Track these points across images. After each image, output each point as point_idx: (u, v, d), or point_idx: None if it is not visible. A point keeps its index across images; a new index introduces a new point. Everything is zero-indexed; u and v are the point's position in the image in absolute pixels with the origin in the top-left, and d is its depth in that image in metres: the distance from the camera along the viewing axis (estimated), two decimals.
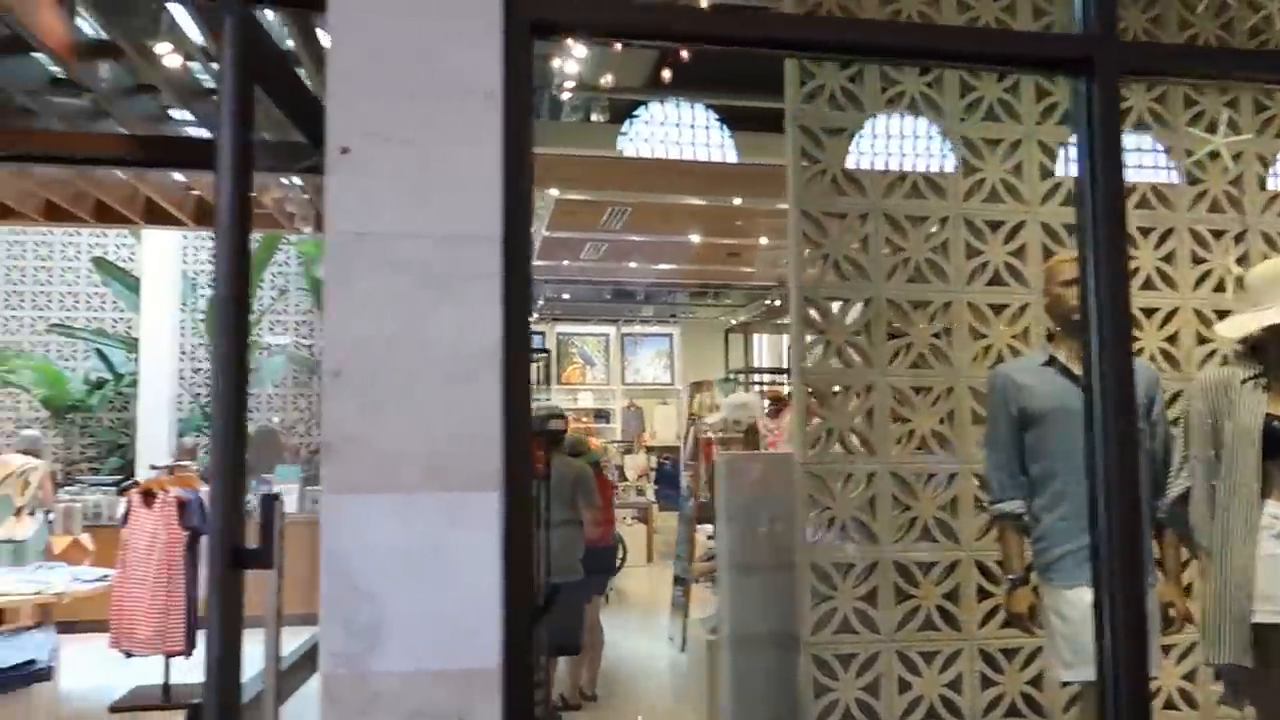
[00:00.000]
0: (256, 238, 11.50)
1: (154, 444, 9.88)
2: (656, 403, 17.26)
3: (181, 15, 3.91)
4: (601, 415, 16.85)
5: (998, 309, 3.74)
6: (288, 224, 6.74)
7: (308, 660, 2.84)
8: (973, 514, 3.62)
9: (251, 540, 2.03)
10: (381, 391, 1.86)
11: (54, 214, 6.60)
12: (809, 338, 3.61)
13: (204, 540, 6.34)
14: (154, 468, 6.26)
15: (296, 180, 6.01)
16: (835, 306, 3.64)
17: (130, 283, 10.96)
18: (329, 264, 1.88)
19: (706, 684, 4.74)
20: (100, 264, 11.10)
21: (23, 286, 11.68)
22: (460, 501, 1.86)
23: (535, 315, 15.65)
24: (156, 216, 6.65)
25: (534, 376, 2.22)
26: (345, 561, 1.84)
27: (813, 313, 3.61)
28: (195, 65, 4.44)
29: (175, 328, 10.16)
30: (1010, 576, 3.04)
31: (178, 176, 6.25)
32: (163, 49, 3.78)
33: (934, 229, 3.73)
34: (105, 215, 6.66)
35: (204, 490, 6.35)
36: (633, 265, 11.73)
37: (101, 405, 11.08)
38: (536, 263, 11.16)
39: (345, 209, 1.88)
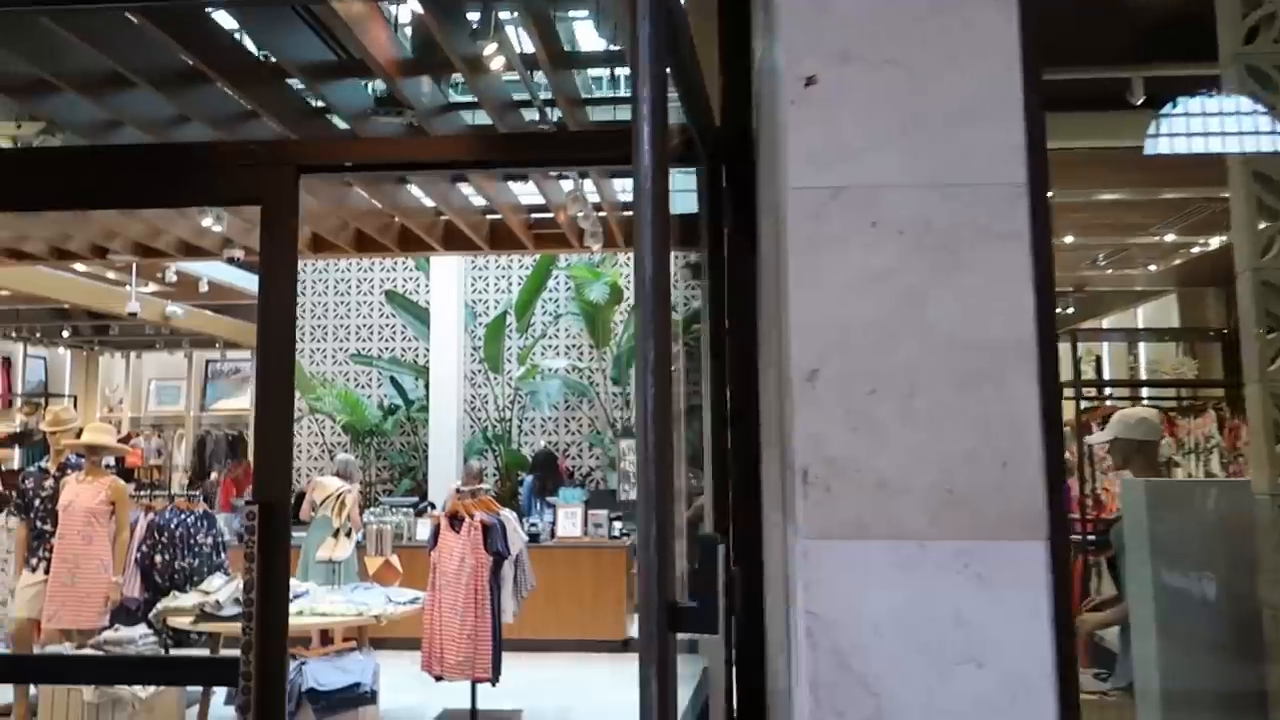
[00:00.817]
0: (530, 262, 11.70)
1: (443, 466, 10.18)
2: None
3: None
4: None
5: None
6: (577, 243, 6.57)
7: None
8: None
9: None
10: (874, 399, 1.35)
11: (363, 245, 6.80)
12: (1270, 334, 2.80)
13: (506, 565, 6.25)
14: (459, 491, 6.21)
15: (591, 194, 5.80)
16: None
17: (418, 313, 11.44)
18: (793, 231, 1.40)
19: None
20: (391, 296, 11.67)
21: (325, 320, 12.51)
22: (989, 553, 1.32)
23: None
24: (455, 243, 6.68)
25: None
26: (833, 634, 1.33)
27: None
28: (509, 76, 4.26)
29: (460, 355, 10.44)
30: None
31: (477, 201, 6.24)
32: (489, 51, 3.56)
33: None
34: (408, 244, 6.78)
35: (504, 514, 6.24)
36: None
37: (394, 429, 11.62)
38: None
39: (812, 157, 1.40)
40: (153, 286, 11.56)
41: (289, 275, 3.05)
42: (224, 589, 5.85)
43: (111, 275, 10.76)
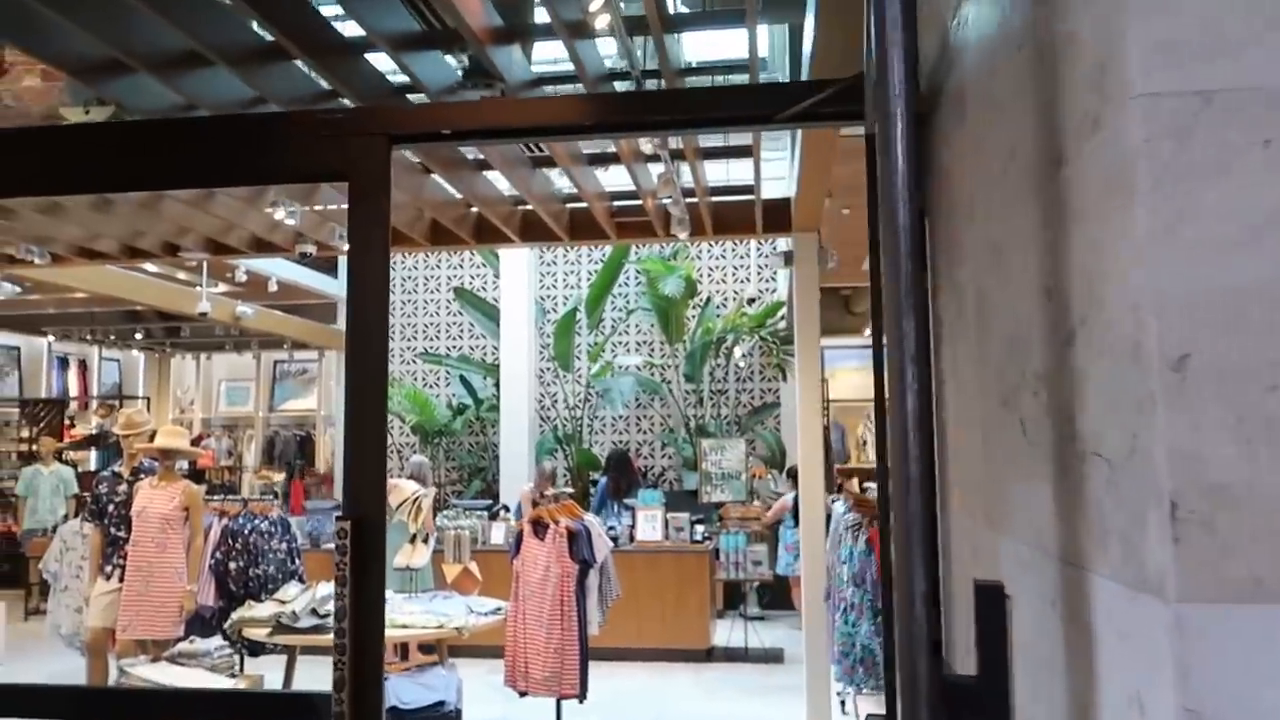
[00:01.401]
0: (600, 256, 11.34)
1: (514, 467, 9.87)
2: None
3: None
4: None
5: None
6: (662, 231, 6.17)
7: None
8: None
9: None
10: (1272, 398, 0.92)
11: (438, 238, 6.48)
12: None
13: (592, 574, 5.88)
14: (543, 496, 5.85)
15: (686, 177, 5.39)
16: None
17: (487, 309, 11.16)
18: (1139, 157, 0.98)
19: None
20: (460, 293, 11.40)
21: (392, 319, 12.29)
22: None
23: (870, 329, 14.56)
24: (533, 233, 6.33)
25: None
26: None
27: None
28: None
29: (531, 352, 10.12)
30: None
31: (563, 186, 5.89)
32: (595, 6, 3.18)
33: None
34: (484, 235, 6.45)
35: (589, 519, 5.87)
36: None
37: (464, 430, 11.36)
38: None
39: (1166, 50, 0.98)
40: (223, 287, 11.46)
41: (381, 258, 2.69)
42: (300, 598, 5.57)
43: (182, 276, 10.66)
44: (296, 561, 6.45)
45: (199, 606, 6.13)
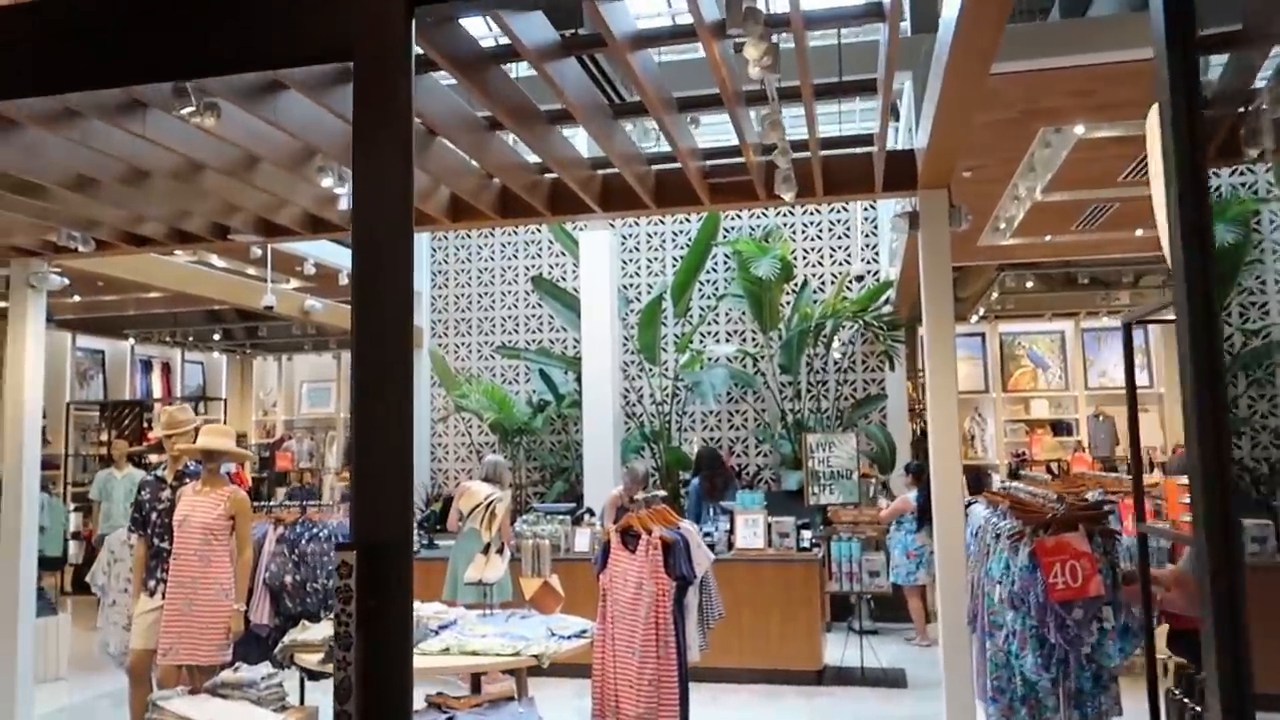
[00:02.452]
0: (686, 241, 10.47)
1: (598, 467, 9.10)
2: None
3: None
4: (1062, 426, 14.02)
5: None
6: (764, 192, 5.29)
7: None
8: None
9: None
10: None
11: (507, 209, 5.72)
12: None
13: (691, 591, 5.03)
14: (632, 501, 5.02)
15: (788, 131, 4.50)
16: None
17: (566, 299, 10.41)
18: None
19: None
20: (538, 282, 10.68)
21: (469, 313, 11.65)
22: None
23: (976, 316, 13.29)
24: (615, 201, 5.52)
25: None
26: None
27: None
28: None
29: (615, 344, 9.32)
30: None
31: (646, 146, 5.05)
32: None
33: None
34: (559, 205, 5.65)
35: (685, 527, 5.02)
36: (1138, 234, 9.06)
37: (544, 427, 10.63)
38: (1010, 241, 8.96)
39: None
40: (294, 283, 10.97)
41: (399, 171, 1.89)
42: None
43: (251, 271, 10.18)
44: None
45: (253, 625, 5.49)
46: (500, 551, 5.42)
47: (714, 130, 6.90)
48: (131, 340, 14.39)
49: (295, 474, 14.46)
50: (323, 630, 4.88)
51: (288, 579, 5.48)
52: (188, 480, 5.18)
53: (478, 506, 5.45)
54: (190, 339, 14.61)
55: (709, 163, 5.37)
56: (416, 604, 5.06)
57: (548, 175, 5.51)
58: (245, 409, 16.64)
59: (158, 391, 15.26)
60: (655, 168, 5.47)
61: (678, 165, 5.21)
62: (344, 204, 5.33)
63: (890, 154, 5.10)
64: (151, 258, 8.31)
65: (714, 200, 5.46)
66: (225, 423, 16.21)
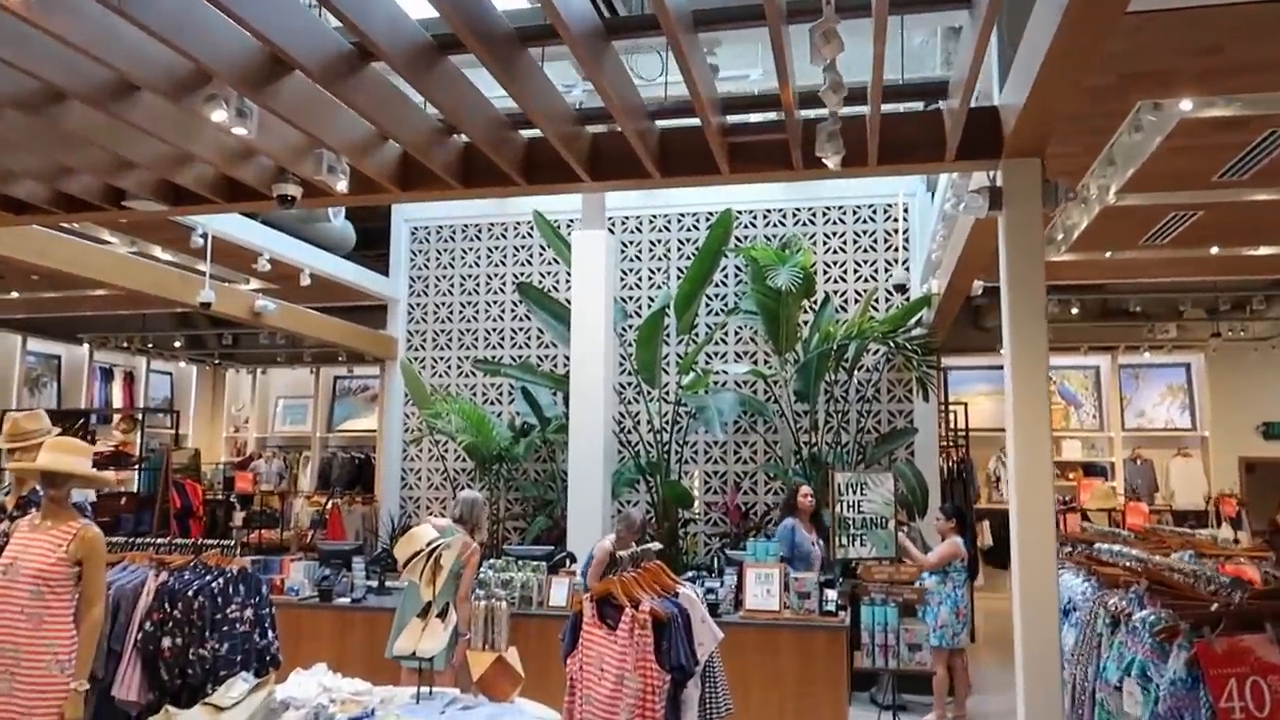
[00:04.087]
0: (692, 250, 9.21)
1: (586, 503, 7.76)
2: (1171, 454, 12.71)
3: None
4: (1095, 469, 12.68)
5: None
6: (801, 158, 4.02)
7: None
8: None
9: None
10: None
11: (472, 175, 4.45)
12: None
13: (690, 689, 3.68)
14: (623, 560, 3.68)
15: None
16: None
17: (556, 310, 9.12)
18: None
19: None
20: (525, 290, 9.39)
21: (449, 324, 10.37)
22: None
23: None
24: (609, 169, 4.26)
25: None
26: None
27: None
28: None
29: (609, 361, 8.02)
30: None
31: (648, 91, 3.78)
32: None
33: None
34: (538, 174, 4.39)
35: (684, 593, 3.69)
36: (1213, 251, 7.77)
37: (528, 454, 9.29)
38: (1063, 256, 7.68)
39: None
40: (255, 284, 9.70)
41: None
42: (246, 702, 3.52)
43: (202, 267, 8.90)
44: (268, 636, 4.43)
45: (119, 702, 4.15)
46: (443, 615, 4.07)
47: (732, 75, 5.66)
48: (86, 345, 13.09)
49: (258, 497, 13.10)
50: (194, 718, 3.54)
51: (166, 642, 4.14)
52: (33, 510, 3.87)
53: (417, 554, 4.11)
54: (150, 345, 13.30)
55: (729, 117, 4.11)
56: (328, 676, 3.72)
57: (522, 131, 4.26)
58: (215, 425, 15.33)
59: (118, 401, 13.95)
60: (661, 124, 4.21)
61: (689, 122, 3.96)
62: (245, 134, 4.03)
63: (969, 112, 3.84)
64: (79, 244, 7.05)
65: (735, 168, 4.19)
66: (192, 439, 14.92)
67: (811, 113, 3.94)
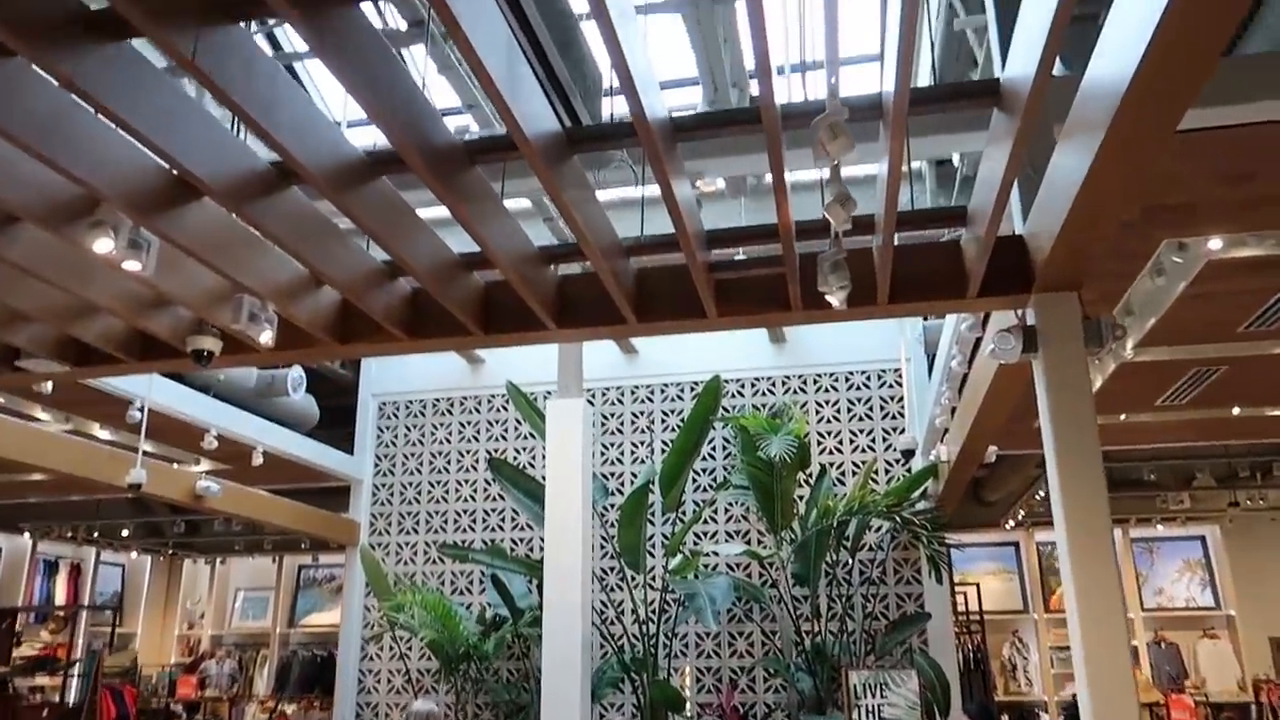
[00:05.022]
0: (677, 422, 8.56)
1: (562, 708, 6.70)
2: (1197, 635, 11.66)
3: None
4: None
5: None
6: (799, 295, 3.43)
7: None
8: None
9: None
10: None
11: (419, 326, 3.82)
12: None
13: None
14: None
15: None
16: None
17: (532, 488, 8.33)
18: None
19: None
20: (497, 466, 8.62)
21: (417, 506, 9.51)
22: None
23: (1012, 522, 11.18)
24: (580, 315, 3.64)
25: None
26: None
27: None
28: None
29: (587, 542, 7.16)
30: None
31: (624, 227, 3.23)
32: None
33: None
34: (496, 322, 3.76)
35: None
36: (1235, 412, 7.17)
37: (498, 650, 8.23)
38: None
39: None
40: (206, 464, 8.92)
41: None
42: None
43: (150, 448, 8.14)
44: None
45: None
46: None
47: (714, 210, 5.17)
48: (29, 535, 12.05)
49: (203, 704, 11.72)
50: None
51: None
52: None
53: None
54: (97, 535, 12.27)
55: (714, 252, 3.54)
56: None
57: (477, 271, 3.67)
58: (169, 620, 14.02)
59: (61, 597, 12.72)
60: (638, 262, 3.64)
61: (670, 256, 3.38)
62: (139, 269, 3.40)
63: (993, 240, 3.28)
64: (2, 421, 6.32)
65: (723, 310, 3.58)
66: (141, 638, 13.58)
67: (805, 246, 3.38)
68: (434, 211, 3.31)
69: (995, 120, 2.84)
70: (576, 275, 3.72)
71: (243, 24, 2.38)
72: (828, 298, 3.24)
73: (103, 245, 2.85)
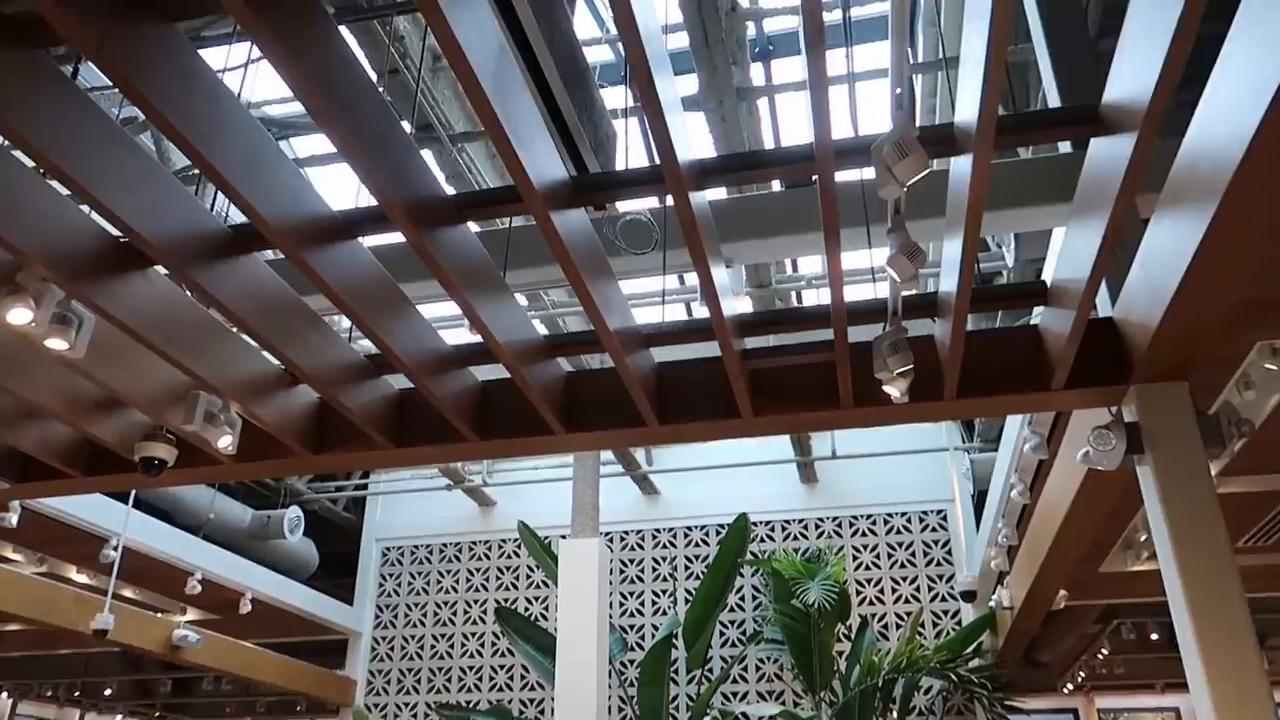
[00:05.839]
0: (702, 568, 7.79)
1: None
2: None
3: None
4: None
5: None
6: (849, 390, 2.87)
7: None
8: None
9: None
10: None
11: (407, 431, 3.26)
12: None
13: None
14: None
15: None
16: None
17: (542, 640, 7.51)
18: None
19: None
20: (505, 616, 7.82)
21: (418, 662, 8.65)
22: None
23: (1070, 686, 10.05)
24: (586, 417, 3.09)
25: None
26: None
27: None
28: None
29: (603, 704, 6.29)
30: None
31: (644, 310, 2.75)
32: None
33: None
34: (494, 425, 3.20)
35: None
36: None
37: None
38: (1141, 565, 6.27)
39: None
40: (194, 614, 8.18)
41: None
42: None
43: (130, 593, 7.48)
44: None
45: None
46: None
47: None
48: (5, 695, 11.14)
49: None
50: None
51: None
52: None
53: None
54: (78, 694, 11.33)
55: (749, 341, 3.00)
56: None
57: (469, 381, 3.14)
58: None
59: None
60: (664, 363, 3.11)
61: (698, 349, 2.86)
62: (63, 350, 2.86)
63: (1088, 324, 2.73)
64: None
65: (760, 409, 3.00)
66: None
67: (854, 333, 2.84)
68: (418, 288, 2.83)
69: (1087, 173, 2.36)
70: (586, 371, 3.19)
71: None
72: (886, 388, 2.67)
73: (19, 316, 2.36)
